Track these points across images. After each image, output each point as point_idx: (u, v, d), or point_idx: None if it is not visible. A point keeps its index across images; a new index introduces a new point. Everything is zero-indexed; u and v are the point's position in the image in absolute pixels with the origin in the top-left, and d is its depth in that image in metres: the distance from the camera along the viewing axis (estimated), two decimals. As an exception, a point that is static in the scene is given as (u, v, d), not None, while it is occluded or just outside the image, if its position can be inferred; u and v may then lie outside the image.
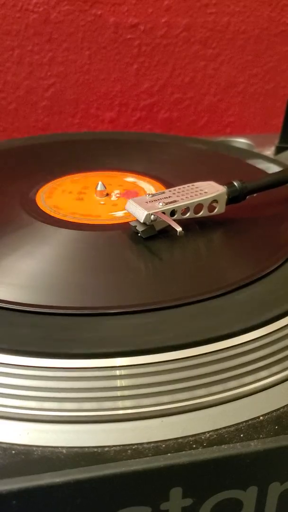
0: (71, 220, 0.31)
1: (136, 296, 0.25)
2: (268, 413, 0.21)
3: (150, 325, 0.23)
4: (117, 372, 0.21)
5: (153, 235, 0.30)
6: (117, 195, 0.35)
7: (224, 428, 0.20)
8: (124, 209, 0.30)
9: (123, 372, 0.21)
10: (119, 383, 0.21)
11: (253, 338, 0.22)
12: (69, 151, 0.44)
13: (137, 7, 0.54)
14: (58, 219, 0.31)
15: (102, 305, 0.24)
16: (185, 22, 0.56)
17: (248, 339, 0.22)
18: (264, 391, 0.22)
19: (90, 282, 0.26)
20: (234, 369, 0.21)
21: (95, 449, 0.19)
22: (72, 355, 0.21)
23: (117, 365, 0.21)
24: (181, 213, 0.30)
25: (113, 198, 0.34)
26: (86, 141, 0.47)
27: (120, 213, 0.32)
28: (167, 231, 0.30)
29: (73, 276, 0.27)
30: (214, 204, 0.31)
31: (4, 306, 0.24)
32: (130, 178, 0.38)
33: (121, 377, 0.21)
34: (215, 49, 0.58)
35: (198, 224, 0.31)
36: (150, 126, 0.60)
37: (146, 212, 0.29)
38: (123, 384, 0.20)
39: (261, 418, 0.21)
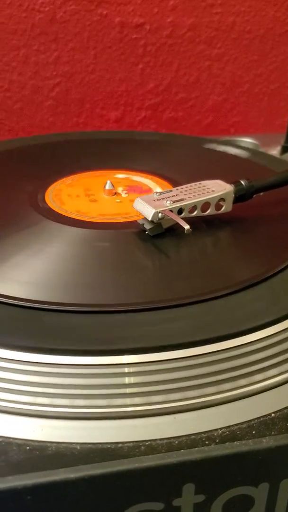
0: (80, 219, 0.31)
1: (144, 294, 0.25)
2: (279, 410, 0.21)
3: (161, 323, 0.23)
4: (131, 370, 0.21)
5: (160, 233, 0.30)
6: (125, 193, 0.35)
7: (236, 425, 0.20)
8: (132, 208, 0.31)
9: (136, 369, 0.21)
10: (132, 380, 0.21)
11: (264, 336, 0.22)
12: (77, 150, 0.44)
13: (142, 7, 0.54)
14: (67, 217, 0.32)
15: (111, 303, 0.24)
16: (191, 22, 0.56)
17: (259, 337, 0.22)
18: (275, 389, 0.22)
19: (98, 279, 0.26)
20: (245, 366, 0.22)
21: (109, 446, 0.19)
22: (85, 352, 0.21)
23: (130, 362, 0.21)
24: (188, 211, 0.30)
25: (122, 196, 0.35)
26: (94, 140, 0.47)
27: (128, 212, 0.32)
28: (174, 229, 0.30)
29: (82, 273, 0.27)
30: (221, 202, 0.31)
31: (15, 303, 0.24)
32: (138, 177, 0.38)
33: (134, 374, 0.21)
34: (220, 49, 0.58)
35: (204, 223, 0.31)
36: (155, 126, 0.60)
37: (154, 210, 0.29)
38: (136, 381, 0.21)
39: (272, 415, 0.21)
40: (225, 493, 0.19)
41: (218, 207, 0.31)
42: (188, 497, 0.19)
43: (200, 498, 0.19)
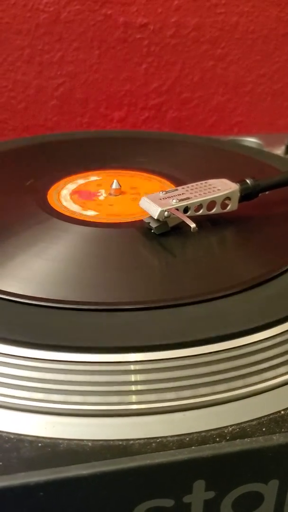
0: (85, 218, 0.31)
1: (151, 293, 0.25)
2: (289, 407, 0.21)
3: (169, 321, 0.23)
4: (142, 367, 0.21)
5: (166, 232, 0.30)
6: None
7: (246, 422, 0.21)
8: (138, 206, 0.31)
9: (146, 367, 0.21)
10: (143, 377, 0.21)
11: (273, 334, 0.22)
12: (82, 149, 0.44)
13: (146, 7, 0.54)
14: (72, 216, 0.32)
15: (117, 301, 0.24)
16: (194, 22, 0.56)
17: (268, 336, 0.22)
18: (285, 386, 0.22)
19: (104, 278, 0.26)
20: (255, 364, 0.22)
21: (120, 442, 0.19)
22: (95, 349, 0.21)
23: (141, 360, 0.21)
24: (194, 210, 0.30)
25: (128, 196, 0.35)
26: (98, 139, 0.47)
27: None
28: (179, 227, 0.30)
29: (87, 272, 0.27)
30: (227, 201, 0.31)
31: (25, 301, 0.24)
32: (143, 176, 0.38)
33: (144, 371, 0.21)
34: (224, 49, 0.58)
35: (210, 221, 0.31)
36: (158, 126, 0.60)
37: (160, 209, 0.29)
38: (147, 379, 0.21)
39: (282, 412, 0.21)
40: (235, 490, 0.20)
41: (224, 205, 0.31)
42: (199, 493, 0.19)
43: (211, 494, 0.19)
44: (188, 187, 0.31)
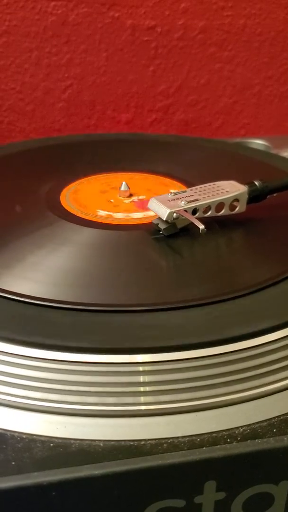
0: (95, 220, 0.32)
1: (159, 294, 0.25)
2: (300, 408, 0.21)
3: (179, 322, 0.23)
4: (153, 368, 0.21)
5: (174, 233, 0.30)
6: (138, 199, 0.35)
7: (257, 423, 0.21)
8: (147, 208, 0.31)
9: (158, 367, 0.21)
10: (155, 378, 0.21)
11: (283, 335, 0.22)
12: (92, 152, 0.45)
13: (154, 10, 0.55)
14: (82, 218, 0.32)
15: (126, 303, 0.24)
16: (202, 25, 0.56)
17: (279, 337, 0.22)
18: (295, 387, 0.22)
19: (113, 279, 0.26)
20: (266, 365, 0.22)
21: (132, 443, 0.20)
22: (108, 350, 0.21)
23: (152, 360, 0.21)
24: (203, 212, 0.30)
25: (135, 199, 0.35)
26: (108, 141, 0.48)
27: (139, 214, 0.33)
28: (188, 229, 0.30)
29: (96, 273, 0.27)
30: (235, 203, 0.31)
31: (36, 302, 0.24)
32: (152, 178, 0.38)
33: (156, 372, 0.21)
34: (231, 51, 0.58)
35: (218, 223, 0.31)
36: (165, 128, 0.60)
37: (168, 210, 0.29)
38: (158, 380, 0.21)
39: (293, 413, 0.21)
40: (245, 491, 0.20)
41: (232, 207, 0.31)
42: (210, 494, 0.19)
43: (221, 495, 0.19)
44: (196, 188, 0.32)
